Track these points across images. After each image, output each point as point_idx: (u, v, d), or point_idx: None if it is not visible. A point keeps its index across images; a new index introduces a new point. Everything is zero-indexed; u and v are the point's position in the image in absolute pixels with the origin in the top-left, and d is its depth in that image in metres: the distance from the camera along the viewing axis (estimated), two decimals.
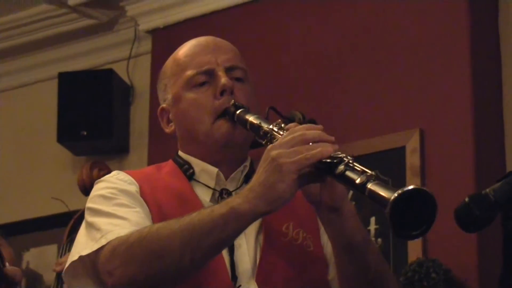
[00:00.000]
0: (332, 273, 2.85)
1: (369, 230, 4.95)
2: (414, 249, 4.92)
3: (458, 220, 2.48)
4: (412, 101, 5.18)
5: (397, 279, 3.53)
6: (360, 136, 4.78)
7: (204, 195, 2.88)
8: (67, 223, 6.02)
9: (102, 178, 2.95)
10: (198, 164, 2.92)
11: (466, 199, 2.43)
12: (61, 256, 4.53)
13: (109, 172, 4.51)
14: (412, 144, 5.06)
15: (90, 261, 2.72)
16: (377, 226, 4.95)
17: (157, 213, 2.79)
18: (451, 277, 4.74)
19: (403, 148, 5.06)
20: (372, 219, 4.95)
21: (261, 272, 2.77)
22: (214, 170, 2.89)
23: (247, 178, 2.89)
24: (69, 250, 4.34)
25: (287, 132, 2.64)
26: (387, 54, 5.31)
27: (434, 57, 5.18)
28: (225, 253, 2.74)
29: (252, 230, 2.76)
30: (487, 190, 2.44)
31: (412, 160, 5.02)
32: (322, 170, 2.55)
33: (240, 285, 2.73)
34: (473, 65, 5.10)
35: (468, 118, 5.02)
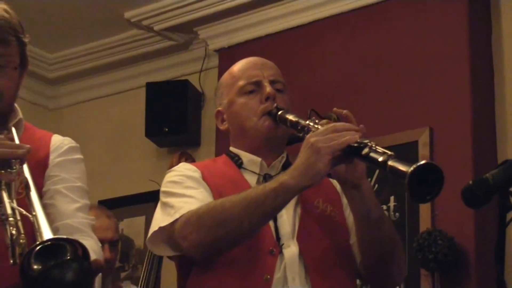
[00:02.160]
0: (352, 239, 2.89)
1: (389, 206, 4.92)
2: (424, 221, 4.88)
3: (464, 198, 2.47)
4: (423, 105, 5.13)
5: (405, 245, 3.52)
6: (382, 133, 4.73)
7: (251, 179, 2.93)
8: (152, 200, 6.04)
9: (172, 169, 3.01)
10: (245, 156, 2.97)
11: (470, 182, 2.45)
12: None
13: (193, 160, 4.52)
14: (423, 139, 5.02)
15: (167, 231, 2.77)
16: (395, 203, 4.90)
17: (216, 193, 2.84)
18: (454, 244, 4.69)
19: (416, 142, 5.02)
20: (392, 198, 4.92)
21: (300, 233, 2.81)
22: (258, 159, 2.95)
23: (284, 167, 2.92)
24: None
25: (321, 123, 2.71)
26: (402, 69, 5.27)
27: (441, 71, 5.14)
28: (270, 221, 2.77)
29: (290, 204, 2.77)
30: (487, 175, 2.45)
31: (423, 152, 4.97)
32: (351, 153, 2.59)
33: (283, 243, 2.77)
34: (471, 77, 5.05)
35: (467, 118, 4.98)
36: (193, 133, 6.21)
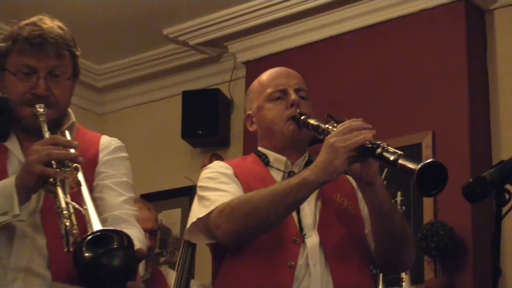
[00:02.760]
0: (367, 229, 2.88)
1: (396, 200, 4.91)
2: (428, 214, 4.88)
3: (464, 194, 2.47)
4: (427, 112, 5.12)
5: (413, 235, 3.51)
6: (390, 136, 4.68)
7: (277, 176, 2.92)
8: (186, 195, 6.06)
9: (207, 166, 3.00)
10: (272, 155, 2.97)
11: (470, 180, 2.44)
12: None
13: (222, 160, 4.53)
14: (426, 141, 5.01)
15: (203, 221, 2.78)
16: (402, 198, 4.90)
17: (247, 188, 2.83)
18: (453, 234, 4.69)
19: (420, 144, 5.00)
20: (399, 193, 4.91)
21: (320, 224, 2.81)
22: (283, 158, 2.95)
23: (306, 165, 2.91)
24: None
25: (338, 126, 2.69)
26: (408, 81, 5.27)
27: (442, 82, 5.13)
28: (294, 213, 2.77)
29: (312, 198, 2.78)
30: (485, 173, 2.45)
31: (427, 153, 4.96)
32: (365, 153, 2.59)
33: (305, 234, 2.77)
34: (469, 87, 5.05)
35: (465, 123, 4.98)
36: (223, 135, 6.19)
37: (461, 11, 5.14)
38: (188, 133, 6.20)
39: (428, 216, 4.85)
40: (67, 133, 2.73)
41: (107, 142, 2.86)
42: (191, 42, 6.20)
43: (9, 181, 2.49)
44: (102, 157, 2.79)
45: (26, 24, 2.68)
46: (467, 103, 4.99)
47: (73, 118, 2.79)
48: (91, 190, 2.60)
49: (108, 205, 2.70)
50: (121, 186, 2.78)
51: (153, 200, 5.42)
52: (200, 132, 6.17)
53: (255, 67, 5.84)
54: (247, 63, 6.05)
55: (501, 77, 5.12)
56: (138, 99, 6.85)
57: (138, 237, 2.58)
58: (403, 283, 4.68)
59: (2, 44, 2.69)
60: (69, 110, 2.80)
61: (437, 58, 5.15)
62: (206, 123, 6.17)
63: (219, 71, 6.39)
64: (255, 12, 5.85)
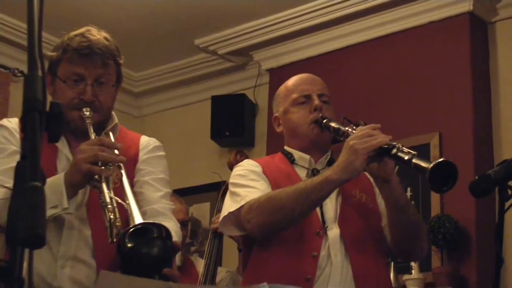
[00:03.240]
0: (384, 222, 2.86)
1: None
2: (435, 208, 4.85)
3: (471, 190, 2.46)
4: (434, 115, 5.09)
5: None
6: (401, 137, 4.66)
7: (301, 173, 2.92)
8: (216, 189, 6.05)
9: (238, 164, 3.00)
10: (296, 153, 2.96)
11: (476, 177, 2.44)
12: (215, 213, 4.50)
13: (246, 157, 4.52)
14: (434, 142, 4.98)
15: (234, 215, 2.77)
16: (411, 193, 4.86)
17: (274, 184, 2.82)
18: (459, 226, 4.66)
19: (428, 145, 4.97)
20: (409, 188, 4.87)
21: (341, 217, 2.80)
22: (307, 157, 2.94)
23: (329, 163, 2.90)
24: (219, 209, 4.34)
25: (357, 130, 2.68)
26: (418, 87, 5.23)
27: (448, 88, 5.10)
28: (317, 208, 2.76)
29: (333, 194, 2.77)
30: (490, 171, 2.44)
31: (434, 152, 4.92)
32: (382, 153, 2.58)
33: (327, 226, 2.78)
34: (473, 92, 5.02)
35: (469, 126, 4.96)
36: (248, 136, 6.17)
37: (466, 23, 5.12)
38: (217, 134, 6.19)
39: (435, 209, 4.82)
40: (110, 134, 2.74)
41: (146, 141, 2.87)
42: (220, 52, 6.19)
43: (59, 178, 2.49)
44: (142, 155, 2.80)
45: (76, 35, 2.69)
46: (471, 106, 4.96)
47: (116, 120, 2.80)
48: (131, 185, 2.61)
49: (147, 200, 2.70)
50: (159, 182, 2.78)
51: (185, 194, 5.42)
52: (227, 133, 6.16)
53: (278, 74, 5.84)
54: (270, 70, 6.02)
55: (502, 83, 5.10)
56: (171, 103, 6.83)
57: (174, 230, 2.58)
58: (412, 271, 4.67)
59: (54, 54, 2.71)
60: (113, 113, 2.81)
61: (444, 66, 5.13)
62: (233, 125, 6.15)
63: (245, 78, 6.37)
64: (278, 24, 5.83)
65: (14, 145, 2.64)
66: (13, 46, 5.94)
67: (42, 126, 1.27)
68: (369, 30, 5.53)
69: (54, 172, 2.59)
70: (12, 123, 2.71)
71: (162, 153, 2.87)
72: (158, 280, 2.23)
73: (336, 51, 5.70)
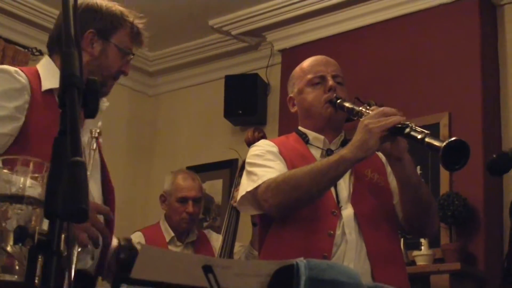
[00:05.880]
0: (395, 199, 2.86)
1: None
2: (444, 186, 4.85)
3: (488, 168, 2.46)
4: (444, 95, 5.08)
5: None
6: (411, 116, 4.66)
7: (316, 153, 2.92)
8: (228, 167, 6.07)
9: (255, 144, 3.00)
10: (311, 134, 2.95)
11: (494, 156, 2.44)
12: (234, 188, 4.49)
13: (264, 134, 4.51)
14: (444, 121, 4.98)
15: (251, 194, 2.78)
16: (421, 171, 4.79)
17: (290, 164, 2.82)
18: (467, 203, 4.66)
19: (438, 124, 4.96)
20: (418, 167, 4.83)
21: (354, 197, 2.81)
22: (322, 137, 2.93)
23: (343, 143, 2.91)
24: (236, 184, 4.33)
25: (371, 109, 2.69)
26: (429, 68, 5.23)
27: (458, 69, 5.09)
28: (332, 188, 2.77)
29: (346, 174, 2.77)
30: (507, 149, 2.44)
31: (444, 132, 4.92)
32: (396, 132, 2.58)
33: (341, 206, 2.79)
34: (482, 73, 5.01)
35: (478, 105, 4.94)
36: (260, 115, 6.17)
37: (475, 6, 5.12)
38: (230, 112, 6.19)
39: (444, 187, 4.82)
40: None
41: None
42: (233, 32, 6.19)
43: None
44: None
45: (129, 12, 2.70)
46: (480, 87, 4.96)
47: None
48: None
49: None
50: None
51: (199, 171, 5.43)
52: (240, 112, 6.15)
53: (290, 54, 5.85)
54: (282, 51, 6.02)
55: (510, 64, 5.11)
56: (185, 82, 6.83)
57: None
58: (422, 247, 4.68)
59: (108, 16, 2.65)
60: None
61: (454, 47, 5.12)
62: (246, 104, 6.15)
63: (258, 58, 6.36)
64: (290, 6, 5.83)
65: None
66: (31, 25, 5.97)
67: (80, 102, 1.28)
68: (380, 12, 5.53)
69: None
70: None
71: None
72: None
73: (347, 33, 5.69)
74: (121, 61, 2.64)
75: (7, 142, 2.33)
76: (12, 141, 2.34)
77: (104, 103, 2.59)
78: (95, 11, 2.62)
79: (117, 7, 2.69)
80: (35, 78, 2.47)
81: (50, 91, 2.44)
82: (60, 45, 2.37)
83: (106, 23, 2.63)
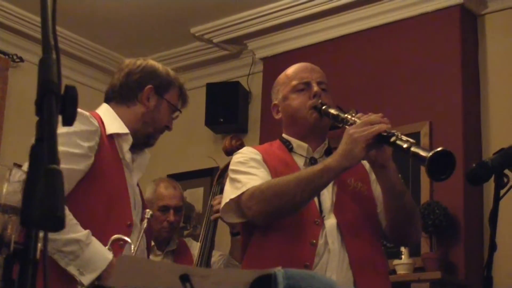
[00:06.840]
0: (379, 208, 2.84)
1: None
2: (425, 194, 4.86)
3: (468, 178, 2.44)
4: (425, 105, 5.09)
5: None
6: (393, 125, 4.71)
7: (300, 162, 2.89)
8: (209, 175, 6.04)
9: (238, 151, 2.96)
10: (295, 142, 2.92)
11: (474, 165, 2.42)
12: (211, 197, 4.45)
13: (242, 143, 4.46)
14: (424, 130, 4.98)
15: (235, 202, 2.74)
16: (402, 180, 4.84)
17: (274, 172, 2.79)
18: (447, 213, 4.66)
19: (418, 133, 4.96)
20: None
21: (337, 207, 2.78)
22: (305, 145, 2.90)
23: (326, 151, 2.89)
24: (218, 192, 4.28)
25: (358, 116, 2.68)
26: (409, 77, 5.24)
27: (439, 78, 5.10)
28: (315, 198, 2.75)
29: (330, 184, 2.73)
30: (487, 159, 2.42)
31: (424, 141, 4.92)
32: (381, 140, 2.55)
33: (324, 215, 2.76)
34: (463, 83, 5.02)
35: (459, 115, 4.96)
36: (242, 123, 6.15)
37: (456, 15, 5.13)
38: (211, 120, 6.16)
39: (425, 196, 4.82)
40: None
41: None
42: (215, 40, 6.17)
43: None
44: None
45: (179, 76, 3.11)
46: (461, 96, 4.96)
47: None
48: None
49: None
50: None
51: (179, 179, 5.39)
52: (221, 120, 6.13)
53: (271, 62, 5.84)
54: (264, 59, 6.01)
55: (491, 74, 5.11)
56: None
57: None
58: (402, 256, 4.67)
59: (164, 76, 3.00)
60: None
61: (435, 56, 5.13)
62: (227, 112, 6.13)
63: (239, 66, 6.35)
64: (272, 14, 5.82)
65: None
66: (12, 32, 5.91)
67: (58, 109, 1.25)
68: (362, 21, 5.53)
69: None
70: None
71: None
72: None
73: (329, 41, 5.69)
74: (169, 116, 2.97)
75: (79, 177, 2.65)
76: (82, 176, 2.67)
77: (147, 155, 2.99)
78: (155, 70, 2.99)
79: (170, 70, 3.06)
80: (101, 123, 2.79)
81: (111, 135, 2.80)
82: (119, 97, 2.85)
83: (162, 82, 2.97)
